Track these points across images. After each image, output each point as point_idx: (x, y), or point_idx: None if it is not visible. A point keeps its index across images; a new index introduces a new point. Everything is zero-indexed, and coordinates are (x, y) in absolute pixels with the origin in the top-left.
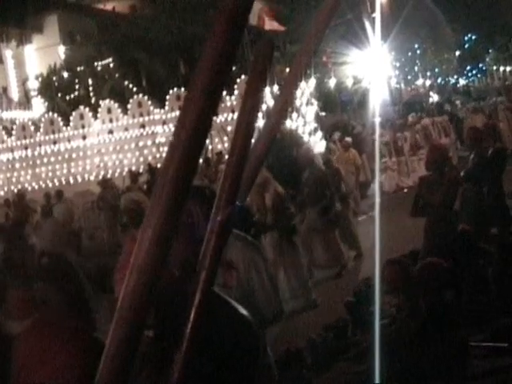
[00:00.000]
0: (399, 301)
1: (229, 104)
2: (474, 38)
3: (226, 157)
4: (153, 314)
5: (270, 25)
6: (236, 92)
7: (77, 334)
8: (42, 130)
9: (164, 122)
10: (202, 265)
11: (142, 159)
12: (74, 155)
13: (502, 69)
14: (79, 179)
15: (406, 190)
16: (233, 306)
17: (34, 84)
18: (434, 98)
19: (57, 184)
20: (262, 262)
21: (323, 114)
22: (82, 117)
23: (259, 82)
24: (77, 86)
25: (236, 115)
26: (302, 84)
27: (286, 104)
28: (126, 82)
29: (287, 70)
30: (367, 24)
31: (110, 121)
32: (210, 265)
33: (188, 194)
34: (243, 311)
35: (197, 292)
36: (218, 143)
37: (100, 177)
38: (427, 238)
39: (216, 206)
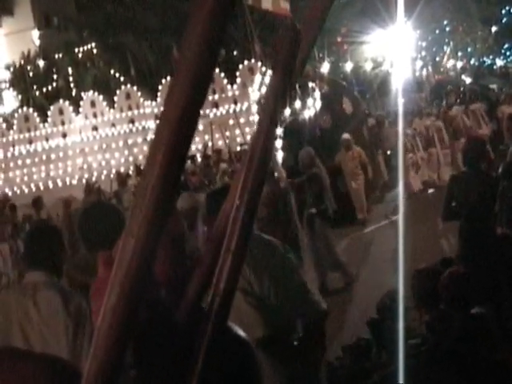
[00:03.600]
0: (430, 317)
1: (230, 94)
2: None
3: (228, 154)
4: (131, 350)
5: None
6: (238, 80)
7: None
8: (15, 127)
9: (156, 117)
10: (216, 290)
11: (131, 159)
12: (53, 156)
13: None
14: (60, 183)
15: (431, 191)
16: (228, 326)
17: (4, 75)
18: (467, 81)
19: (34, 189)
20: (282, 264)
21: None
22: (61, 112)
23: (284, 75)
24: (55, 77)
25: (239, 106)
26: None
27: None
28: (112, 71)
29: None
30: None
31: (94, 116)
32: (227, 289)
33: (174, 197)
34: (239, 331)
35: (209, 324)
36: (219, 139)
37: (83, 180)
38: (461, 245)
39: (233, 216)
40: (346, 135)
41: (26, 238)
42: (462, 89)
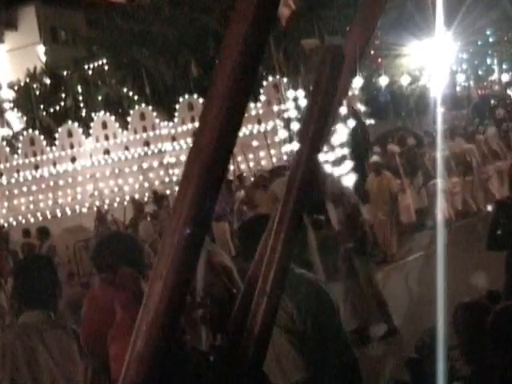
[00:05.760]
0: (475, 357)
1: (254, 113)
2: None
3: (252, 179)
4: None
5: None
6: (262, 98)
7: None
8: (20, 151)
9: (173, 138)
10: (250, 335)
11: (146, 184)
12: (61, 182)
13: None
14: (68, 212)
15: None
16: None
17: (7, 94)
18: None
19: (40, 218)
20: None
21: (372, 121)
22: (70, 134)
23: (327, 96)
24: (63, 96)
25: (263, 126)
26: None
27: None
28: (125, 89)
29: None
30: (426, 7)
31: (106, 138)
32: (262, 334)
33: (205, 236)
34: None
35: (243, 370)
36: (242, 162)
37: (94, 208)
38: (509, 276)
39: (268, 258)
40: (375, 157)
41: (18, 275)
42: (508, 102)
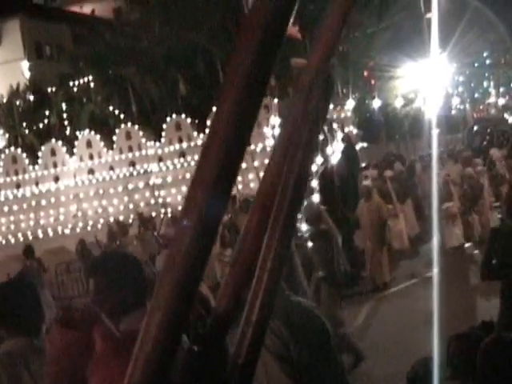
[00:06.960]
0: None
1: None
2: None
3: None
4: None
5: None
6: None
7: None
8: (1, 169)
9: (160, 159)
10: (235, 369)
11: (131, 206)
12: (43, 202)
13: None
14: (51, 233)
15: (467, 245)
16: None
17: None
18: (510, 120)
19: (21, 239)
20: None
21: (365, 144)
22: (53, 152)
23: (314, 125)
24: (47, 113)
25: (253, 147)
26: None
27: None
28: (111, 107)
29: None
30: (422, 27)
31: (91, 157)
32: (247, 369)
33: (206, 265)
34: None
35: None
36: None
37: (78, 229)
38: (504, 308)
39: (255, 286)
40: (366, 182)
41: None
42: (488, 130)
